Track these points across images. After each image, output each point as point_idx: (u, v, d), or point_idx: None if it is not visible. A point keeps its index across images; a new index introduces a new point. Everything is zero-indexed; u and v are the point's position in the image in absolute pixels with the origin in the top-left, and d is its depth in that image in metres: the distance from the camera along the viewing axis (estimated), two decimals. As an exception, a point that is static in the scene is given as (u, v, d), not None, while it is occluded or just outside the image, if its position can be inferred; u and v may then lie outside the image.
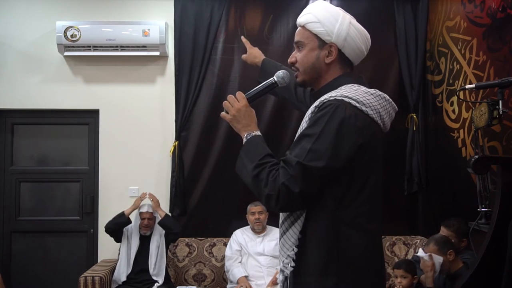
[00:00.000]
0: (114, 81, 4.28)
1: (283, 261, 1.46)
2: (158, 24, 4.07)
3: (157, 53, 4.13)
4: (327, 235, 1.39)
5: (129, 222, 3.86)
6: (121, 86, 4.28)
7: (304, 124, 1.46)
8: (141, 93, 4.28)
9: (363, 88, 1.47)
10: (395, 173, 4.06)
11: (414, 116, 4.07)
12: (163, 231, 3.85)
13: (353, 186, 1.40)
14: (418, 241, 3.88)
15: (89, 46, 4.08)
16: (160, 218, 3.85)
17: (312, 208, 1.41)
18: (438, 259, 2.63)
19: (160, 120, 4.27)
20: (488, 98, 2.59)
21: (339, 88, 1.47)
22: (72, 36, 4.02)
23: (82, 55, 4.13)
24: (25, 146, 4.35)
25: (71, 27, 4.03)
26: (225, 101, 1.56)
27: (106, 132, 4.26)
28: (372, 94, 1.46)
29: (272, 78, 1.61)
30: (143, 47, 4.10)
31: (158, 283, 3.70)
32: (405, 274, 2.87)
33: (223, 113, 1.57)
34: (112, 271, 3.77)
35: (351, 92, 1.43)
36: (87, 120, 4.34)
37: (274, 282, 3.58)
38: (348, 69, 1.55)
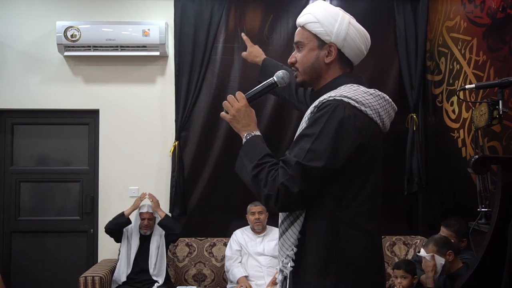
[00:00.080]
0: (114, 81, 4.28)
1: (283, 261, 1.46)
2: (158, 24, 4.07)
3: (157, 53, 4.13)
4: (327, 235, 1.39)
5: (129, 222, 3.86)
6: (121, 86, 4.28)
7: (303, 124, 1.46)
8: (141, 93, 4.28)
9: (362, 88, 1.47)
10: (395, 173, 4.05)
11: (414, 116, 4.07)
12: (163, 231, 3.85)
13: (352, 186, 1.40)
14: (418, 241, 3.88)
15: (89, 46, 4.08)
16: (160, 219, 3.85)
17: (311, 208, 1.41)
18: (440, 260, 2.63)
19: (160, 120, 4.27)
20: (488, 98, 2.59)
21: (338, 88, 1.47)
22: (72, 36, 4.02)
23: (82, 55, 4.13)
24: (25, 146, 4.35)
25: (71, 27, 4.03)
26: (225, 101, 1.56)
27: (106, 132, 4.26)
28: (371, 94, 1.46)
29: (272, 78, 1.61)
30: (143, 47, 4.10)
31: (158, 283, 3.70)
32: (405, 274, 2.87)
33: (223, 113, 1.57)
34: (112, 271, 3.77)
35: (350, 92, 1.43)
36: (87, 120, 4.34)
37: (274, 282, 3.58)
38: (348, 69, 1.55)
